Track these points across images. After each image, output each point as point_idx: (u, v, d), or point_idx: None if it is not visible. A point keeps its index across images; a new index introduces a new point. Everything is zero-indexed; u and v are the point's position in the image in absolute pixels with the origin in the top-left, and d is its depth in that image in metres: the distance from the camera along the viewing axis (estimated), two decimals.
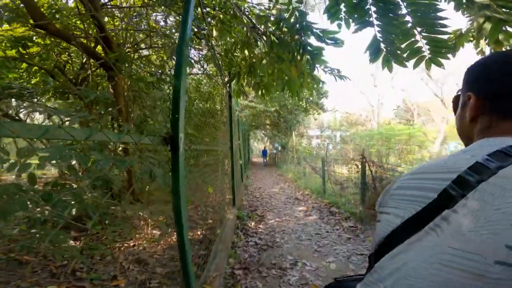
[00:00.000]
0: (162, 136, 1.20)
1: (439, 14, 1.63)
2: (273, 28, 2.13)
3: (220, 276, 2.34)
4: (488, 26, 1.62)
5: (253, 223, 4.62)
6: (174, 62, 2.04)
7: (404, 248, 0.44)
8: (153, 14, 4.09)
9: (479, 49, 2.47)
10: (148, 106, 3.55)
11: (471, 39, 2.43)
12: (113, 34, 3.68)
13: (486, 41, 2.31)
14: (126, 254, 2.75)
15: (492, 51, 2.48)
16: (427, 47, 1.73)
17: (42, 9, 3.22)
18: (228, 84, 3.92)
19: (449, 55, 1.78)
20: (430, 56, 1.75)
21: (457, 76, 28.88)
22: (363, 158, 5.03)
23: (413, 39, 1.73)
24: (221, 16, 2.55)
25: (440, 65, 1.76)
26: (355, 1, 1.71)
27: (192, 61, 3.74)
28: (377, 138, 15.57)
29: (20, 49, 3.40)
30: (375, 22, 1.73)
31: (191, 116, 3.72)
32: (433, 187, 0.45)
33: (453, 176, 0.43)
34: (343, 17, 1.80)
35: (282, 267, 2.96)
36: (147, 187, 3.86)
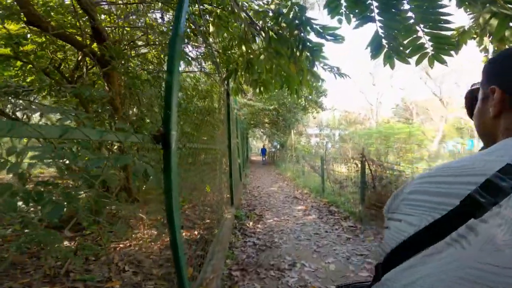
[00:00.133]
0: (152, 134, 1.15)
1: (443, 10, 1.59)
2: (272, 23, 2.08)
3: (217, 278, 2.29)
4: (494, 22, 1.57)
5: (251, 223, 4.57)
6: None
7: (420, 260, 0.39)
8: (150, 11, 4.03)
9: (482, 46, 2.43)
10: (145, 104, 3.50)
11: (474, 36, 2.38)
12: (109, 31, 3.62)
13: (490, 39, 2.27)
14: (121, 255, 2.70)
15: (496, 49, 2.44)
16: (430, 43, 1.69)
17: (36, 7, 3.16)
18: (226, 82, 3.86)
19: (452, 52, 1.73)
20: (433, 52, 1.70)
21: (457, 75, 28.94)
22: (363, 157, 4.98)
23: (415, 35, 1.69)
24: (218, 11, 2.49)
25: (443, 62, 1.72)
26: None
27: (189, 58, 3.69)
28: (376, 137, 15.57)
29: (14, 47, 3.34)
30: (377, 17, 1.68)
31: (188, 114, 3.66)
32: (456, 192, 0.39)
33: (479, 180, 0.38)
34: (344, 12, 1.75)
35: (280, 268, 2.91)
36: (144, 186, 3.81)
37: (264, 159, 21.71)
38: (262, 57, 2.04)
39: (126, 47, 3.89)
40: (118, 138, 0.98)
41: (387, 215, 0.50)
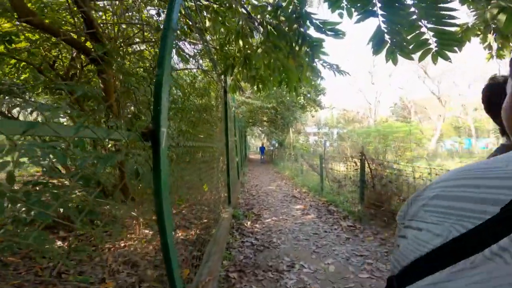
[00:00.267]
0: (140, 131, 1.08)
1: (447, 5, 1.53)
2: (270, 17, 2.01)
3: (213, 280, 2.23)
4: (502, 17, 1.51)
5: (249, 223, 4.51)
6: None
7: (447, 276, 0.32)
8: (146, 8, 3.95)
9: (486, 43, 2.38)
10: (141, 102, 3.43)
11: (478, 33, 2.33)
12: (105, 28, 3.55)
13: (494, 36, 2.22)
14: (115, 255, 2.64)
15: (500, 46, 2.39)
16: (434, 39, 1.64)
17: (29, 4, 3.08)
18: (223, 80, 3.79)
19: (456, 49, 1.68)
20: (437, 49, 1.65)
21: (457, 74, 29.00)
22: (362, 156, 4.93)
23: (418, 31, 1.63)
24: (214, 6, 2.42)
25: (447, 58, 1.66)
26: None
27: (187, 56, 3.62)
28: (374, 136, 15.55)
29: (6, 44, 3.27)
30: (379, 11, 1.62)
31: (184, 111, 3.59)
32: (493, 197, 0.33)
33: None
34: (345, 6, 1.69)
35: (279, 269, 2.86)
36: (140, 185, 3.74)
37: (262, 157, 21.68)
38: (259, 50, 1.97)
39: (122, 44, 3.82)
40: (97, 135, 0.91)
41: (403, 222, 0.44)
